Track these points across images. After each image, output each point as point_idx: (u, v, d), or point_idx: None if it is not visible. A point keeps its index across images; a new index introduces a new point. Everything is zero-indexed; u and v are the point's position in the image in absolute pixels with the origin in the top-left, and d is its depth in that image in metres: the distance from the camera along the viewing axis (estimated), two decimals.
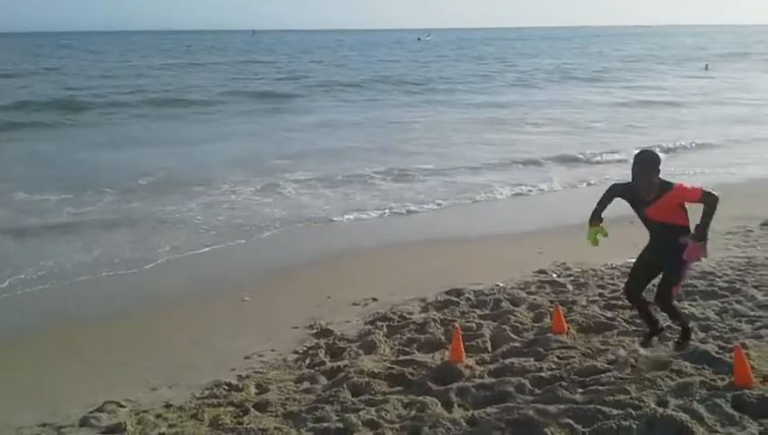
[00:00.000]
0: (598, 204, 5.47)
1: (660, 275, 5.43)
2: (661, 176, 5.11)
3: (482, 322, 6.78)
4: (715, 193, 5.03)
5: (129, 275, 8.99)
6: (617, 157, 17.20)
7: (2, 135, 21.63)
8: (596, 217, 5.44)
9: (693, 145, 19.23)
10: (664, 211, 5.11)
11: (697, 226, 5.13)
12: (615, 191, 5.43)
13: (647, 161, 5.08)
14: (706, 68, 51.60)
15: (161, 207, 12.50)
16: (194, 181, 14.43)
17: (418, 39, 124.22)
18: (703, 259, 5.37)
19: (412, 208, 12.57)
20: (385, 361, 5.98)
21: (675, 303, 5.56)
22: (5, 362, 6.50)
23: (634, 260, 8.63)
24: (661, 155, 5.38)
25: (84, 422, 5.19)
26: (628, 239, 9.79)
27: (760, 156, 17.57)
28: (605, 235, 5.46)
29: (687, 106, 29.56)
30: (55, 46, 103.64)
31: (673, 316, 5.57)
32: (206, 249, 10.11)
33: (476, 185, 14.45)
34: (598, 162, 17.09)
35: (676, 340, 5.61)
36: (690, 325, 5.72)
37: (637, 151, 5.32)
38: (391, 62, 61.34)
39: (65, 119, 25.72)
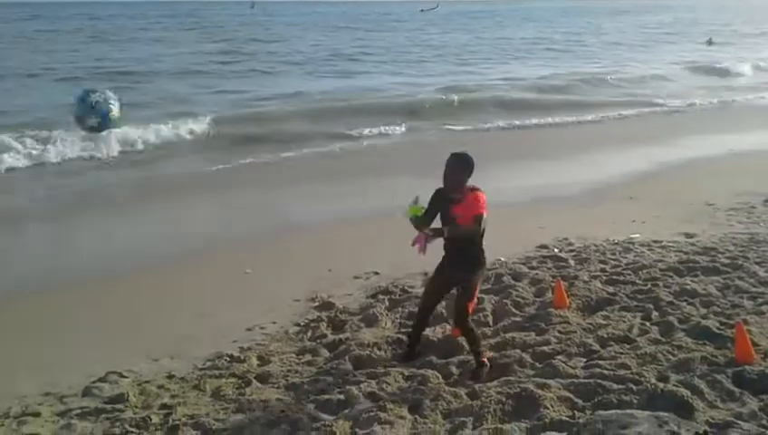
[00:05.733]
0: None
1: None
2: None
3: (483, 296, 6.77)
4: (480, 227, 4.81)
5: (128, 243, 9.01)
6: None
7: None
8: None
9: None
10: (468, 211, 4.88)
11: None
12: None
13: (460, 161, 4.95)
14: (710, 42, 50.90)
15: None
16: None
17: (421, 11, 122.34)
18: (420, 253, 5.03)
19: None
20: (387, 334, 6.00)
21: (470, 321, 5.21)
22: (2, 328, 6.51)
23: (636, 236, 8.75)
24: None
25: (87, 392, 5.21)
26: (628, 216, 9.88)
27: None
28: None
29: None
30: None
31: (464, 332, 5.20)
32: (208, 221, 10.10)
33: None
34: None
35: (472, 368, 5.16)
36: (481, 350, 5.17)
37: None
38: None
39: None
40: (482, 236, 5.00)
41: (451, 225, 4.97)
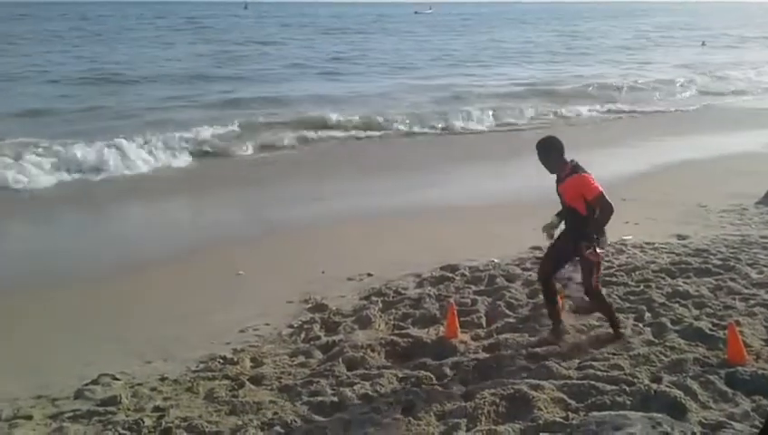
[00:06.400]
0: None
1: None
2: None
3: (477, 298, 6.78)
4: (612, 204, 5.05)
5: (120, 243, 8.97)
6: None
7: None
8: None
9: None
10: (569, 192, 5.28)
11: (586, 232, 5.16)
12: None
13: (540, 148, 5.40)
14: (703, 44, 51.36)
15: None
16: None
17: (416, 12, 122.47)
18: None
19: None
20: (380, 336, 5.99)
21: (601, 293, 5.56)
22: None
23: (629, 237, 8.77)
24: None
25: (79, 395, 5.18)
26: (620, 217, 9.85)
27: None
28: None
29: None
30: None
31: (597, 306, 5.64)
32: (201, 223, 10.07)
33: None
34: None
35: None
36: (616, 319, 5.65)
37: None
38: None
39: None
40: (594, 213, 5.16)
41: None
